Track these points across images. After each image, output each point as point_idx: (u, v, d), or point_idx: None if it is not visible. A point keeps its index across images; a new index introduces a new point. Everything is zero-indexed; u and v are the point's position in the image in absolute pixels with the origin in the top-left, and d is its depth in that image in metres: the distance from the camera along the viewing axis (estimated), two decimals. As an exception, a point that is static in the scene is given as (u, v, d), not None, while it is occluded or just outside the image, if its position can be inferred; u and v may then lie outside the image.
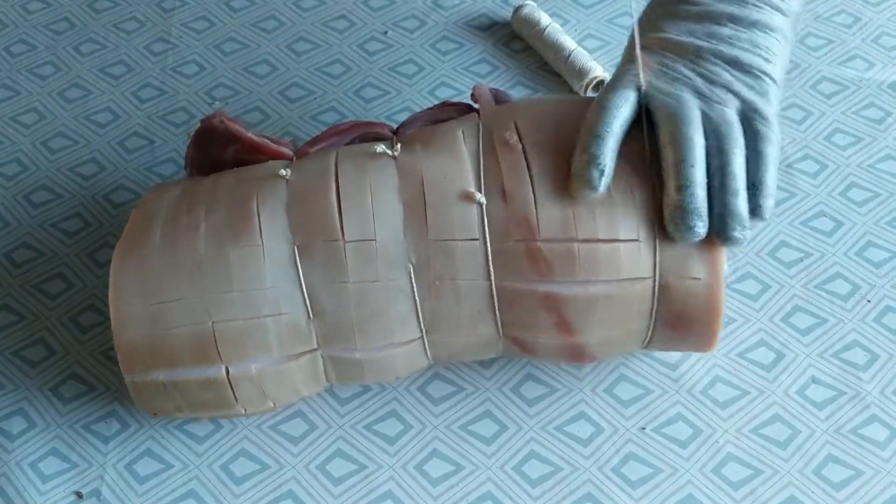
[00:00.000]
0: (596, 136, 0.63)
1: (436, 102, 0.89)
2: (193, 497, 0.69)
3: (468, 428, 0.71)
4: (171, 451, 0.71)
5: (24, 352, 0.76)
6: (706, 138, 0.63)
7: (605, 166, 0.62)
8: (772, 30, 0.66)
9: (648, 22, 0.69)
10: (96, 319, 0.78)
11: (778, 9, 0.67)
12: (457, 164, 0.65)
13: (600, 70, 0.88)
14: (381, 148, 0.66)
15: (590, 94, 0.89)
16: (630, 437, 0.70)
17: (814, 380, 0.72)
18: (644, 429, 0.71)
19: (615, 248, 0.63)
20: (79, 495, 0.69)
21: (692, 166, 0.62)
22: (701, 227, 0.61)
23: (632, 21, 0.94)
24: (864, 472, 0.68)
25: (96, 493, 0.69)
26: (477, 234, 0.64)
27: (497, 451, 0.70)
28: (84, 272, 0.80)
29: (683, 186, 0.61)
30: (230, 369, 0.65)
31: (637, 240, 0.63)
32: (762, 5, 0.67)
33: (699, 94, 0.64)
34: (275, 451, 0.71)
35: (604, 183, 0.62)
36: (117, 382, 0.74)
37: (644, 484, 0.68)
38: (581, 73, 0.88)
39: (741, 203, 0.62)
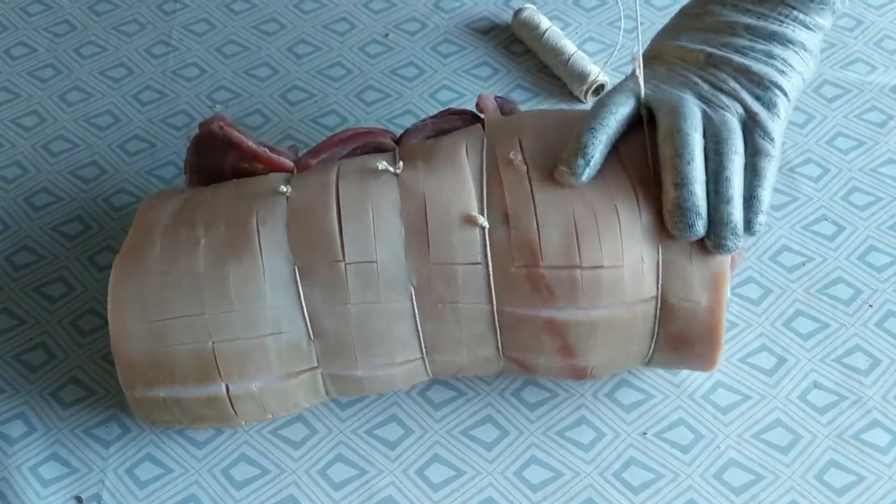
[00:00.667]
0: (589, 128, 0.63)
1: (437, 105, 0.89)
2: (194, 502, 0.69)
3: (469, 433, 0.71)
4: (172, 456, 0.71)
5: (24, 356, 0.76)
6: (705, 139, 0.63)
7: (591, 157, 0.63)
8: (791, 42, 0.66)
9: (669, 32, 0.70)
10: (97, 323, 0.77)
11: (803, 24, 0.66)
12: (459, 184, 0.64)
13: (601, 74, 0.88)
14: (382, 165, 0.65)
15: (590, 98, 0.88)
16: (631, 442, 0.70)
17: (815, 385, 0.72)
18: (645, 434, 0.71)
19: (619, 273, 0.62)
20: (79, 500, 0.69)
21: (689, 163, 0.61)
22: (700, 226, 0.61)
23: (633, 24, 0.94)
24: (865, 478, 0.68)
25: (97, 498, 0.69)
26: (479, 258, 0.63)
27: (498, 456, 0.70)
28: (84, 276, 0.80)
29: (681, 184, 0.61)
30: (230, 387, 0.64)
31: (640, 263, 0.63)
32: (784, 19, 0.66)
33: (703, 98, 0.64)
34: (275, 455, 0.71)
35: (587, 174, 0.63)
36: (118, 387, 0.74)
37: (645, 489, 0.68)
38: (581, 77, 0.88)
39: (735, 211, 0.61)
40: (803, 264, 0.78)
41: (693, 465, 0.69)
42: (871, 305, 0.76)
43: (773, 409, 0.71)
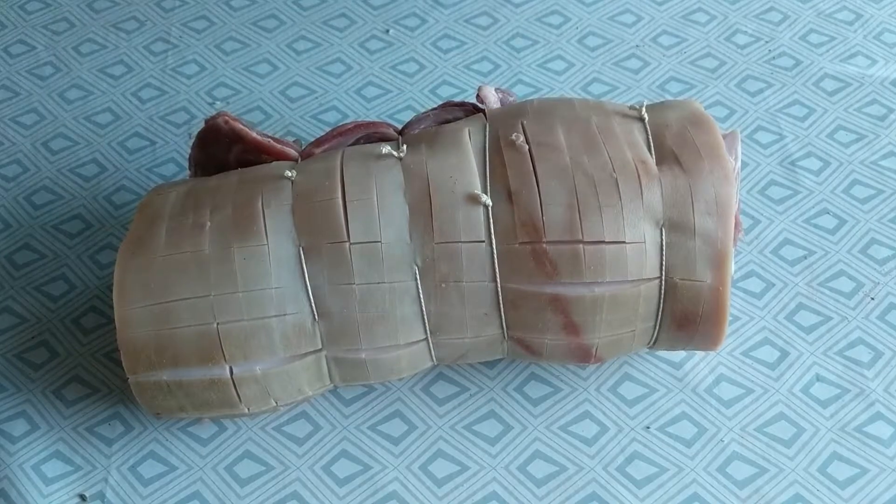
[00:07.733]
0: None
1: (437, 101, 0.89)
2: (198, 499, 0.69)
3: (472, 428, 0.71)
4: (175, 454, 0.71)
5: (26, 354, 0.76)
6: None
7: None
8: None
9: None
10: (99, 321, 0.77)
11: None
12: (462, 164, 0.65)
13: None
14: (386, 149, 0.66)
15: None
16: (635, 436, 0.70)
17: (818, 378, 0.72)
18: (649, 428, 0.71)
19: (621, 249, 0.63)
20: (82, 498, 0.69)
21: None
22: None
23: (633, 18, 0.94)
24: (869, 470, 0.68)
25: (100, 496, 0.69)
26: (482, 236, 0.63)
27: (502, 451, 0.70)
28: (86, 274, 0.80)
29: None
30: (234, 369, 0.65)
31: (643, 241, 0.63)
32: None
33: None
34: (279, 452, 0.71)
35: None
36: (120, 385, 0.74)
37: (649, 483, 0.68)
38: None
39: None
40: (805, 258, 0.78)
41: (696, 459, 0.69)
42: (872, 298, 0.76)
43: (776, 402, 0.71)
